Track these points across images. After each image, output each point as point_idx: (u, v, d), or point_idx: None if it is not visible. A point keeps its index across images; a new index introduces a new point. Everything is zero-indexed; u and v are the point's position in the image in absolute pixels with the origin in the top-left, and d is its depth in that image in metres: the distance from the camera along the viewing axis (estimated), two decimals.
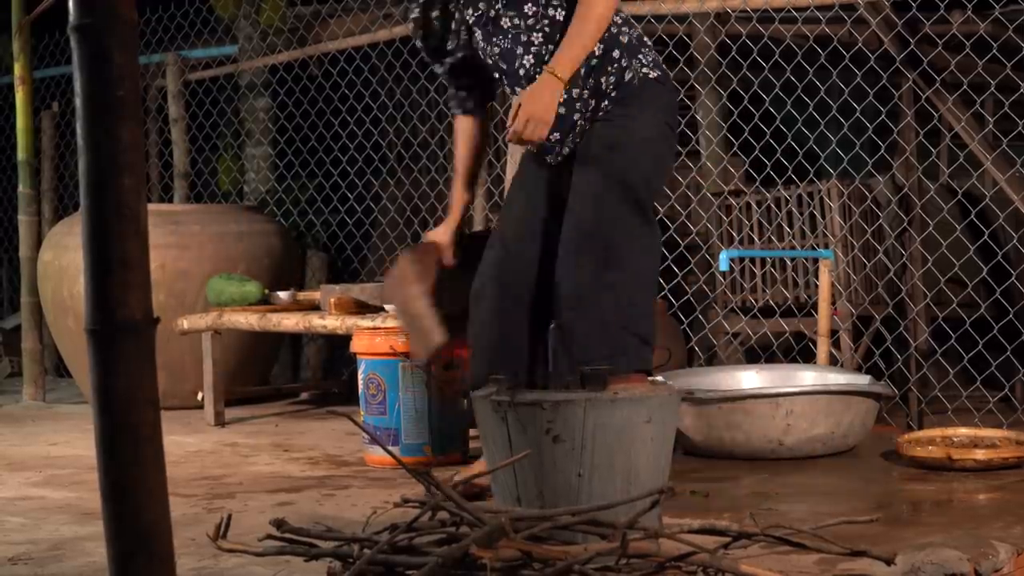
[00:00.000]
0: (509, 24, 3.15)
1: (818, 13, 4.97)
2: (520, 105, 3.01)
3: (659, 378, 3.09)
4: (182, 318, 4.98)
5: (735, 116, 5.80)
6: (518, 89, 3.14)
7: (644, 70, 3.15)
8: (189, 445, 4.46)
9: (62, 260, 5.44)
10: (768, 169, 5.24)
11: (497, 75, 3.24)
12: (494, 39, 3.18)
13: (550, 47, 3.10)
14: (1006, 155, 4.96)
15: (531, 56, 3.13)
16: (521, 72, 3.15)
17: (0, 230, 8.54)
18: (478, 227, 5.76)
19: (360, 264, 6.95)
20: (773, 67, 5.14)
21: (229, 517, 2.48)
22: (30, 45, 5.73)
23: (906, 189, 5.50)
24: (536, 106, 2.99)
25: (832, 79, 5.20)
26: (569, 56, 3.01)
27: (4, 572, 2.66)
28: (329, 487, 3.56)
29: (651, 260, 3.12)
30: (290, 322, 4.63)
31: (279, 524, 2.40)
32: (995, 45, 4.67)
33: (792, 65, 5.11)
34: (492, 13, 3.16)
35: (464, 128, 3.45)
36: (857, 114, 4.95)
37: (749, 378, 4.26)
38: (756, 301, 5.59)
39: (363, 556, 2.24)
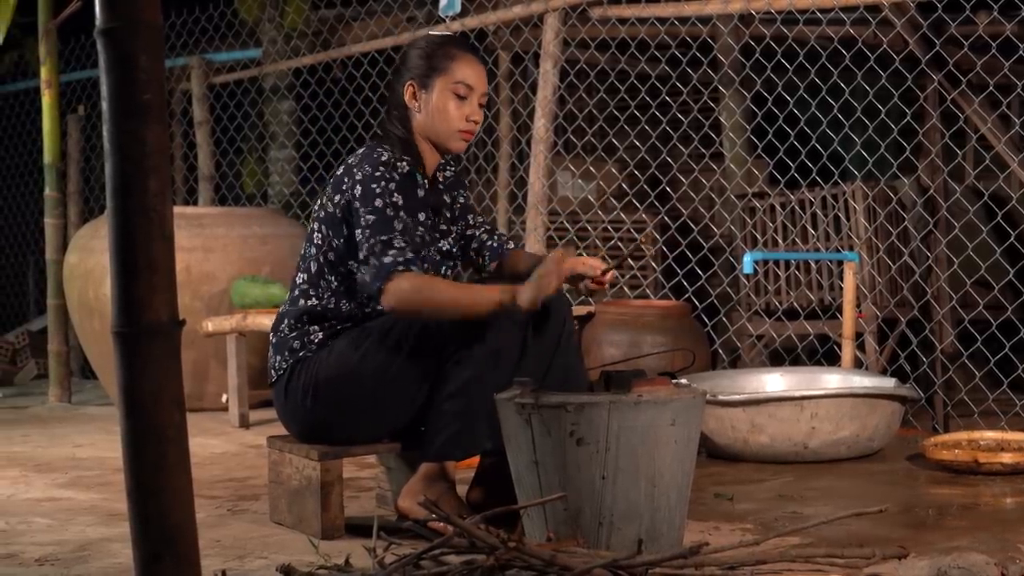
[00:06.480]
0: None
1: (843, 14, 4.94)
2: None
3: (683, 380, 3.08)
4: (207, 320, 5.00)
5: (759, 118, 5.78)
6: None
7: None
8: (214, 447, 4.48)
9: (88, 263, 5.47)
10: (792, 171, 5.22)
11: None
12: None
13: None
14: None
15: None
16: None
17: (27, 233, 8.59)
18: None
19: None
20: (797, 69, 5.12)
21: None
22: (56, 49, 5.77)
23: (931, 191, 5.47)
24: None
25: (857, 81, 5.17)
26: None
27: (31, 573, 2.68)
28: (353, 488, 3.56)
29: None
30: None
31: (287, 572, 2.30)
32: (1022, 46, 4.64)
33: (816, 67, 5.10)
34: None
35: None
36: (882, 116, 4.92)
37: (773, 381, 4.25)
38: (780, 303, 5.57)
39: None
